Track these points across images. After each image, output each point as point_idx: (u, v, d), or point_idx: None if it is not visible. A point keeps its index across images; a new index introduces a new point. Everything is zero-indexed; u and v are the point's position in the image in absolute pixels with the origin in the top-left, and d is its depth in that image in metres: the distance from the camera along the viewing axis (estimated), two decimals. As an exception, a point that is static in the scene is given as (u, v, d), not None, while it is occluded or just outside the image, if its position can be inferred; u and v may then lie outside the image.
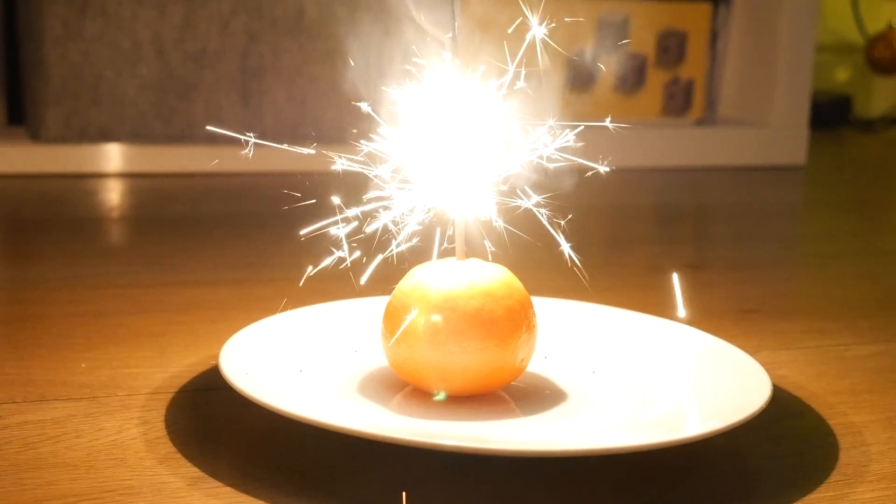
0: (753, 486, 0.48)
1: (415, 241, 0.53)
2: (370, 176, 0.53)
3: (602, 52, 1.40)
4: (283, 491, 0.45)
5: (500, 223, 0.53)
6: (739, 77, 1.48)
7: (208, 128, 0.55)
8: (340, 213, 0.53)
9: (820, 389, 0.61)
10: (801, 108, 1.45)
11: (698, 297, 0.81)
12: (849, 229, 1.17)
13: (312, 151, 0.55)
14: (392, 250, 0.53)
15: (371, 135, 0.52)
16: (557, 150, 0.52)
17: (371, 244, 0.53)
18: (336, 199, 0.53)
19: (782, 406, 0.56)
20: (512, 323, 0.52)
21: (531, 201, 0.52)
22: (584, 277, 0.53)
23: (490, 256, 0.54)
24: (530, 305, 0.53)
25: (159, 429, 0.51)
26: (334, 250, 0.53)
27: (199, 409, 0.54)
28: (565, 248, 0.52)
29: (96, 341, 0.64)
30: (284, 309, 0.57)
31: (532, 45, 0.51)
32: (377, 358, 0.56)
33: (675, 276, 0.59)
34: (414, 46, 0.50)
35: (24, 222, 0.99)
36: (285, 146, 0.54)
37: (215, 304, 0.73)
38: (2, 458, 0.47)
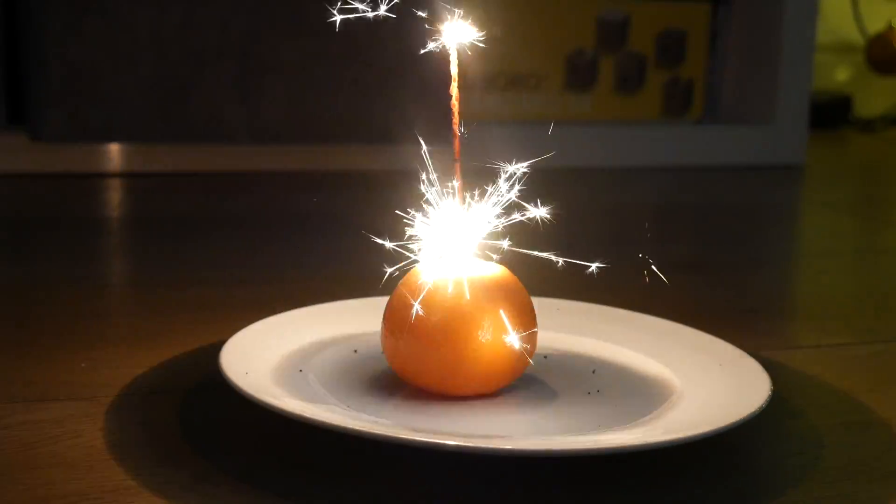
0: (753, 485, 0.48)
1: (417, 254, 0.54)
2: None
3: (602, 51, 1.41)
4: (282, 491, 0.45)
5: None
6: (739, 77, 1.48)
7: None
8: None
9: (820, 389, 0.61)
10: (801, 107, 1.45)
11: (698, 297, 0.81)
12: (849, 229, 1.17)
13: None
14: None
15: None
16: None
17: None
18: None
19: (782, 406, 0.56)
20: (512, 323, 0.52)
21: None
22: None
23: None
24: (530, 305, 0.53)
25: (159, 429, 0.51)
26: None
27: (199, 409, 0.54)
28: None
29: (96, 341, 0.64)
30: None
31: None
32: (377, 358, 0.56)
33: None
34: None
35: (24, 222, 0.99)
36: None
37: (215, 304, 0.73)
38: (2, 458, 0.47)
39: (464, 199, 0.54)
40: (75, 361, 0.60)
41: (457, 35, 0.51)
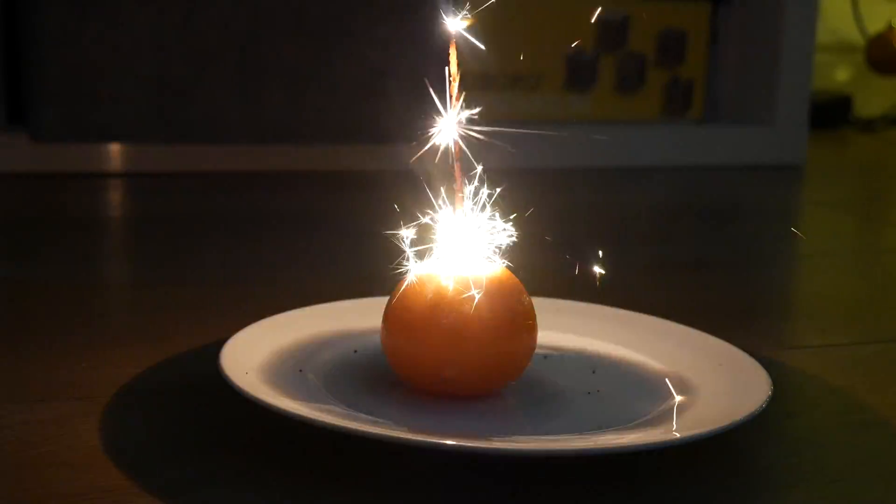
0: (753, 486, 0.48)
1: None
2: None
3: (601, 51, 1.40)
4: (282, 491, 0.45)
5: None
6: (739, 77, 1.48)
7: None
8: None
9: (820, 389, 0.61)
10: (801, 107, 1.45)
11: (698, 297, 0.81)
12: (849, 229, 1.17)
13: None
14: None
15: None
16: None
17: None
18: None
19: (782, 406, 0.56)
20: (512, 323, 0.52)
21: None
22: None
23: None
24: (530, 305, 0.53)
25: (159, 429, 0.51)
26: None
27: (199, 409, 0.54)
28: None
29: (96, 341, 0.64)
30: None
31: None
32: (377, 358, 0.56)
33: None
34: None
35: (24, 222, 0.99)
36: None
37: (215, 304, 0.73)
38: (2, 458, 0.47)
39: (463, 198, 0.54)
40: (75, 361, 0.60)
41: (457, 32, 0.51)
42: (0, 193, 1.09)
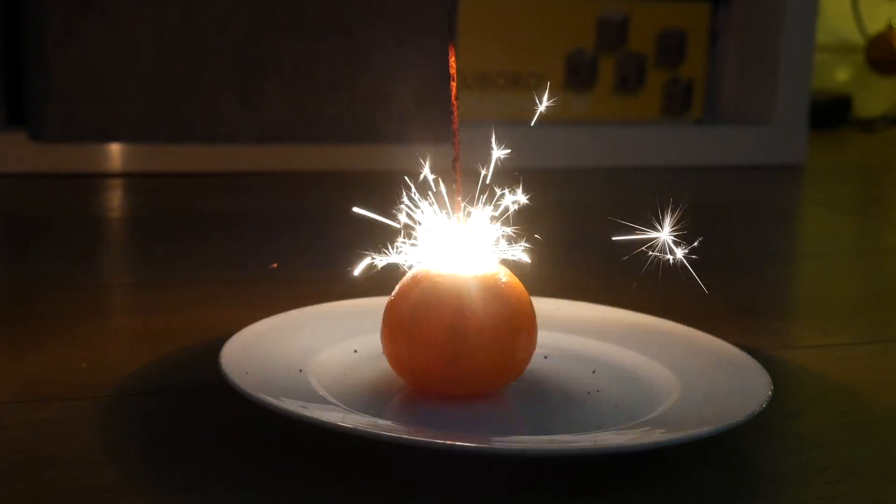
0: (753, 486, 0.48)
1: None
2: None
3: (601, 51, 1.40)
4: (282, 491, 0.45)
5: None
6: (739, 77, 1.48)
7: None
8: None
9: (820, 389, 0.61)
10: (801, 107, 1.45)
11: (698, 296, 0.81)
12: (849, 229, 1.17)
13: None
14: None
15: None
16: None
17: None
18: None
19: (782, 406, 0.56)
20: (512, 323, 0.52)
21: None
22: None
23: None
24: (530, 305, 0.53)
25: (159, 428, 0.51)
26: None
27: (199, 409, 0.54)
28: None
29: (96, 341, 0.64)
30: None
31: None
32: (377, 358, 0.56)
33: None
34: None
35: (24, 222, 0.99)
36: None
37: (215, 304, 0.73)
38: (2, 458, 0.47)
39: (462, 199, 0.54)
40: (75, 361, 0.60)
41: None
42: (0, 193, 1.09)
